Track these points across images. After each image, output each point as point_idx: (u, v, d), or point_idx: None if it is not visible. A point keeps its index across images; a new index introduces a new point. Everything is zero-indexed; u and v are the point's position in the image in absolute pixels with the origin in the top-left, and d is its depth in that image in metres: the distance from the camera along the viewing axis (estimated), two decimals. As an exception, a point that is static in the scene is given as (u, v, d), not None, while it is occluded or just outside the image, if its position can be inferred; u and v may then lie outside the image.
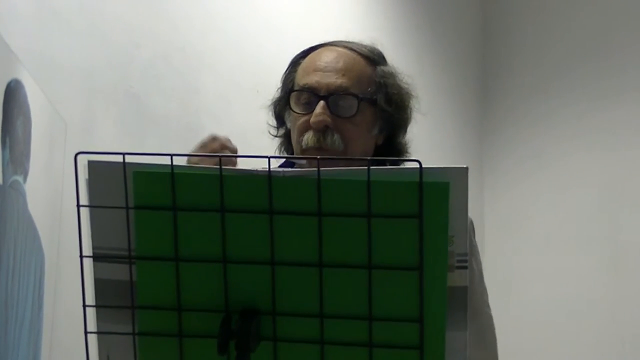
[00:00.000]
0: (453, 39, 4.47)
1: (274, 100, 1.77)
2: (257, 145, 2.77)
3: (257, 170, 1.09)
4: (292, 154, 1.73)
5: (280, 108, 1.75)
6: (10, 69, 1.85)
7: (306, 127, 1.65)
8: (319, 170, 1.07)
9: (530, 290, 4.22)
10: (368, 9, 3.83)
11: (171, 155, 1.09)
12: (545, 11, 4.49)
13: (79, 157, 1.11)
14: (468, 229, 1.73)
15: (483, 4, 4.70)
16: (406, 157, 1.76)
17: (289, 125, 1.73)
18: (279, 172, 1.09)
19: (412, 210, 1.06)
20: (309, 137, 1.64)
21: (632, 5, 4.23)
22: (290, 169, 1.09)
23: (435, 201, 1.06)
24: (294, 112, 1.68)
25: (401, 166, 1.74)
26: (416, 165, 1.05)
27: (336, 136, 1.63)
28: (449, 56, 4.41)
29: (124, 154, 1.10)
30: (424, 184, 1.05)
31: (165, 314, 1.14)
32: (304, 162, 1.65)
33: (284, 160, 1.72)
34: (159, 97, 2.64)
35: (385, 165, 1.67)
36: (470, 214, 1.39)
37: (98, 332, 1.16)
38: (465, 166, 1.06)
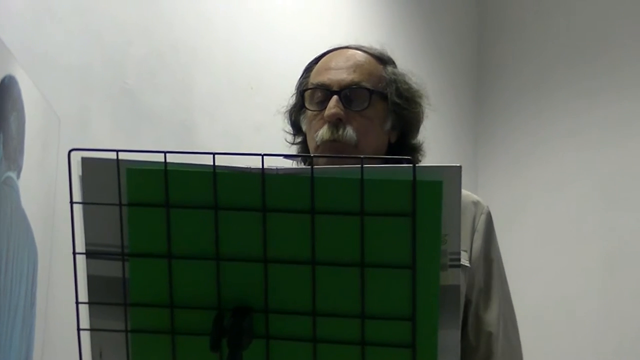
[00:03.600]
0: (448, 37, 4.47)
1: (289, 107, 1.80)
2: (251, 142, 2.79)
3: (250, 168, 1.09)
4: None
5: (296, 114, 1.78)
6: (4, 64, 1.84)
7: (321, 123, 1.68)
8: (312, 168, 1.07)
9: (525, 287, 4.20)
10: (362, 3, 3.82)
11: (164, 153, 1.09)
12: (540, 8, 4.49)
13: (72, 153, 1.10)
14: (486, 222, 1.77)
15: (478, 3, 4.70)
16: (420, 156, 1.78)
17: (304, 128, 1.76)
18: (272, 169, 1.09)
19: (405, 209, 1.06)
20: (323, 132, 1.66)
21: (626, 1, 4.23)
22: (283, 167, 1.09)
23: (429, 200, 1.06)
24: (308, 109, 1.71)
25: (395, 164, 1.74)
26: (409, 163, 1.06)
27: (349, 129, 1.66)
28: (444, 54, 4.41)
29: (117, 151, 1.09)
30: (417, 182, 1.05)
31: (158, 311, 1.14)
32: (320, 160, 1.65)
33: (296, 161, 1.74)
34: (153, 94, 2.64)
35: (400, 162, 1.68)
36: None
37: (91, 329, 1.17)
38: (458, 165, 1.07)
